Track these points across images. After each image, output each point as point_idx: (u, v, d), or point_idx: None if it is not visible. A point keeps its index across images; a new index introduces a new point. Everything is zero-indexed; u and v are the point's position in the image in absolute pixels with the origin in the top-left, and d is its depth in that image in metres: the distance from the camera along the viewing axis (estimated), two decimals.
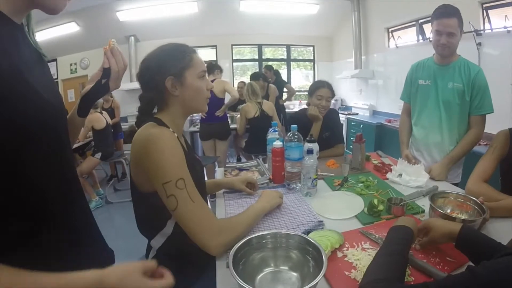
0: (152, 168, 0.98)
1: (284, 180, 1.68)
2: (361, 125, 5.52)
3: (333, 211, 1.36)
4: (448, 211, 1.29)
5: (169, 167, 0.95)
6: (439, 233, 1.00)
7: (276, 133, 1.86)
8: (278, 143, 1.66)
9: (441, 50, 1.92)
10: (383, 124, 5.03)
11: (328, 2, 6.19)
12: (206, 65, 1.22)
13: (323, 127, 2.32)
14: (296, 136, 1.64)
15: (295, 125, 1.70)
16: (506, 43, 3.37)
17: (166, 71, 1.08)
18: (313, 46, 7.71)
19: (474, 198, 1.26)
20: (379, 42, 5.85)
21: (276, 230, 1.01)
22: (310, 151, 1.52)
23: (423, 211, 1.38)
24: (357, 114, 6.29)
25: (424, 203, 1.41)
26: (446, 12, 1.86)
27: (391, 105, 5.45)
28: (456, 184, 1.96)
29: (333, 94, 2.37)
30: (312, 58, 7.86)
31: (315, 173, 1.54)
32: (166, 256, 1.14)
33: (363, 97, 6.52)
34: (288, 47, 7.55)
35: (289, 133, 1.67)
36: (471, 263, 0.92)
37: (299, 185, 1.61)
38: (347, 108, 6.99)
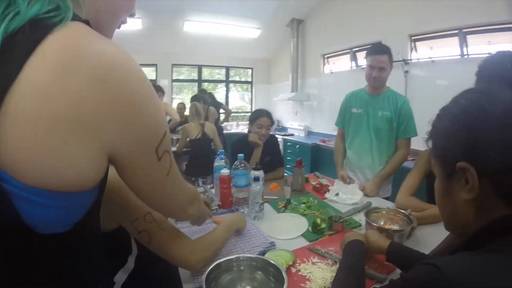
0: (118, 209, 0.98)
1: (232, 205, 1.75)
2: (297, 146, 5.74)
3: (281, 232, 1.47)
4: (382, 223, 1.47)
5: (135, 205, 0.98)
6: (372, 247, 1.16)
7: (223, 161, 1.93)
8: (225, 171, 1.73)
9: (373, 82, 2.19)
10: (318, 144, 5.28)
11: (269, 27, 6.44)
12: None
13: (264, 152, 2.45)
14: (243, 165, 1.74)
15: (242, 154, 1.80)
16: (430, 70, 3.90)
17: None
18: (252, 69, 7.94)
19: (403, 211, 1.47)
20: (315, 67, 6.24)
21: (240, 254, 1.09)
22: (256, 179, 1.62)
23: (360, 225, 1.57)
24: (292, 135, 6.52)
25: (361, 218, 1.58)
26: (379, 50, 2.16)
27: (325, 126, 5.77)
28: (387, 198, 2.22)
29: (272, 122, 2.53)
30: (250, 80, 8.08)
31: (262, 198, 1.64)
32: None
33: (298, 118, 6.82)
34: (228, 69, 7.67)
35: (236, 162, 1.76)
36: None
37: (247, 209, 1.69)
38: (283, 129, 7.22)
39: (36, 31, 0.43)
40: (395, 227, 1.44)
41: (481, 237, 0.58)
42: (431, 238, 1.34)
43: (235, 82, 8.09)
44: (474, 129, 0.57)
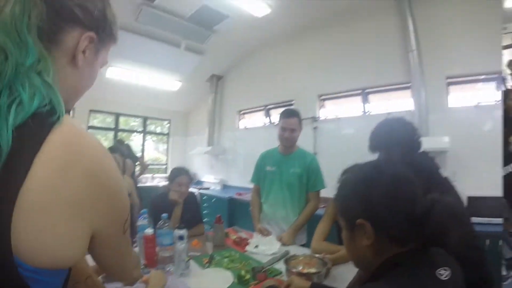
0: None
1: (158, 264, 1.76)
2: (213, 199, 5.73)
3: (209, 287, 1.55)
4: (300, 268, 1.62)
5: (77, 267, 0.98)
6: None
7: (146, 220, 1.95)
8: (149, 230, 1.77)
9: (285, 142, 2.49)
10: (234, 197, 5.33)
11: (190, 81, 6.61)
12: None
13: (184, 209, 2.50)
14: (167, 224, 1.82)
15: (166, 214, 1.88)
16: (336, 126, 4.51)
17: None
18: (170, 120, 7.94)
19: (318, 255, 1.68)
20: (231, 121, 6.57)
21: None
22: (181, 237, 1.70)
23: (281, 273, 1.70)
24: (208, 188, 6.51)
25: (281, 266, 1.74)
26: (290, 114, 2.48)
27: (240, 179, 5.95)
28: (303, 245, 2.42)
29: (191, 180, 2.65)
30: (167, 131, 8.04)
31: (187, 256, 1.70)
32: None
33: (214, 171, 6.92)
34: (145, 119, 7.51)
35: (160, 221, 1.84)
36: None
37: (173, 267, 1.71)
38: (199, 182, 7.16)
39: (39, 128, 0.51)
40: (313, 270, 1.60)
41: (380, 271, 0.79)
42: (345, 274, 1.55)
43: (152, 133, 7.96)
44: (368, 196, 0.80)
